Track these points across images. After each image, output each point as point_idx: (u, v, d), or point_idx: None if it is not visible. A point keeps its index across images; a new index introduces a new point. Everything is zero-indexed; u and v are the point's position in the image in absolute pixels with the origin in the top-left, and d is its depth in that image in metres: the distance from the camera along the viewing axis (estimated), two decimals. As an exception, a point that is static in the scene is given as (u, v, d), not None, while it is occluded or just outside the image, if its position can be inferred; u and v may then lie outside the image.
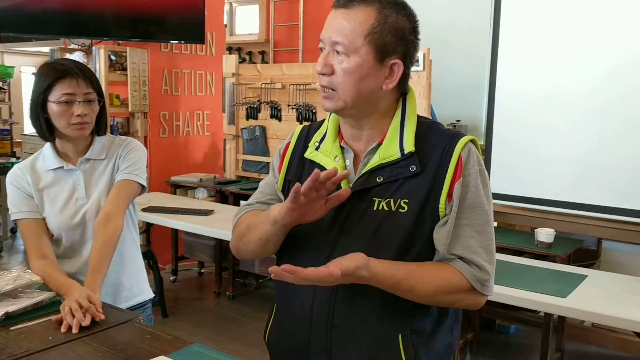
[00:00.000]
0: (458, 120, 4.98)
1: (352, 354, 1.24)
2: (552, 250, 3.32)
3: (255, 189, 1.41)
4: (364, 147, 1.26)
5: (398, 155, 1.21)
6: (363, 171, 1.23)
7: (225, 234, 3.64)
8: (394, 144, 1.22)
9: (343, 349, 1.24)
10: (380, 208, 1.20)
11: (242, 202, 4.88)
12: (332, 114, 1.32)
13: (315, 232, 1.25)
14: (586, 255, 3.78)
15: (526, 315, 3.48)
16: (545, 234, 3.36)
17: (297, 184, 1.13)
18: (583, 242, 3.66)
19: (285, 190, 1.35)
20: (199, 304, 4.52)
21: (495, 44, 3.91)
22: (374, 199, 1.21)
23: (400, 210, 1.19)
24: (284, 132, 4.83)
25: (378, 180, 1.21)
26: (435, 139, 1.23)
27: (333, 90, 1.20)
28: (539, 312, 3.23)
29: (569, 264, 3.23)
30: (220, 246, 4.48)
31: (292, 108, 4.64)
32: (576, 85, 3.60)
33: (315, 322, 1.26)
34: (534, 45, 3.76)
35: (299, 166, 1.34)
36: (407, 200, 1.19)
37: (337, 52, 1.18)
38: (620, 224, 3.52)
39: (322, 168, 1.27)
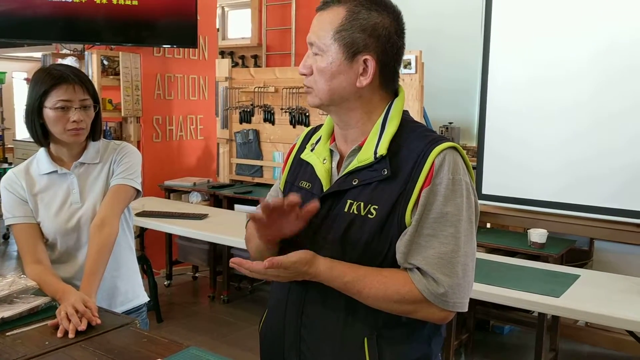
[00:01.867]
0: (451, 123, 5.01)
1: (319, 352, 1.26)
2: (544, 251, 3.35)
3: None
4: (348, 149, 1.28)
5: (372, 158, 1.21)
6: (342, 173, 1.25)
7: (220, 238, 3.65)
8: (371, 146, 1.23)
9: (310, 347, 1.27)
10: (351, 211, 1.21)
11: (237, 206, 4.83)
12: (329, 115, 1.35)
13: (303, 229, 1.28)
14: (579, 255, 3.80)
15: (520, 315, 3.50)
16: (538, 235, 3.38)
17: (259, 210, 1.18)
18: (575, 242, 3.68)
19: (286, 191, 1.38)
20: (194, 309, 4.51)
21: (486, 46, 3.93)
22: (347, 200, 1.22)
23: (369, 215, 1.19)
24: (277, 135, 4.84)
25: (353, 183, 1.22)
26: (414, 144, 1.21)
27: (310, 88, 1.25)
28: (533, 312, 3.25)
29: (561, 264, 3.25)
30: (215, 250, 4.48)
31: (286, 112, 4.65)
32: (569, 91, 3.62)
33: (287, 319, 1.30)
34: (525, 47, 3.79)
35: (297, 167, 1.38)
36: (376, 207, 1.18)
37: (315, 53, 1.23)
38: (612, 224, 3.55)
39: (312, 169, 1.32)
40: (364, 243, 1.19)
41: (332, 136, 1.34)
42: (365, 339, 1.22)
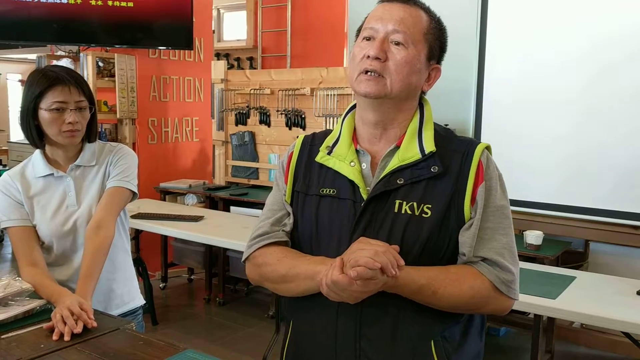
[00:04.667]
0: (446, 125, 5.01)
1: None
2: (540, 252, 3.35)
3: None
4: (382, 149, 1.25)
5: (418, 155, 1.21)
6: (383, 174, 1.22)
7: (215, 240, 3.63)
8: (412, 145, 1.23)
9: None
10: (403, 211, 1.19)
11: (232, 208, 4.80)
12: (346, 118, 1.31)
13: (338, 237, 1.22)
14: (574, 257, 3.81)
15: (516, 317, 3.50)
16: (533, 237, 3.38)
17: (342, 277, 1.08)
18: (571, 244, 3.69)
19: (294, 202, 1.31)
20: (189, 311, 4.50)
21: (482, 47, 3.94)
22: (395, 201, 1.19)
23: (424, 215, 1.18)
24: (273, 137, 4.84)
25: (399, 182, 1.20)
26: (454, 144, 1.25)
27: (381, 76, 1.19)
28: (529, 314, 3.26)
29: (557, 266, 3.26)
30: (210, 252, 4.47)
31: (281, 113, 4.65)
32: (564, 91, 3.63)
33: (340, 346, 1.21)
34: (521, 49, 3.80)
35: (307, 173, 1.30)
36: (430, 206, 1.18)
37: (395, 43, 1.19)
38: (607, 226, 3.56)
39: (337, 173, 1.26)
40: (423, 242, 1.18)
41: (353, 140, 1.29)
42: (433, 342, 1.20)
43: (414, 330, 1.20)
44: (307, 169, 1.31)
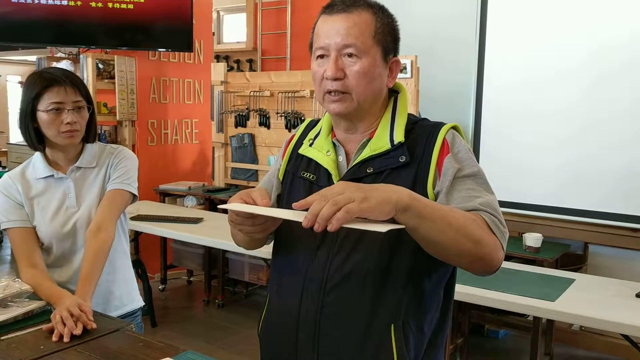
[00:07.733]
0: (445, 127, 5.02)
1: (341, 343, 1.23)
2: (540, 255, 3.36)
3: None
4: (357, 142, 1.29)
5: (388, 146, 1.24)
6: (354, 162, 1.26)
7: (215, 242, 3.64)
8: (384, 136, 1.25)
9: (332, 338, 1.23)
10: None
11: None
12: (327, 113, 1.34)
13: None
14: (573, 259, 3.82)
15: (515, 319, 3.51)
16: (533, 239, 3.39)
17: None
18: (570, 246, 3.70)
19: (286, 182, 1.38)
20: (188, 313, 4.49)
21: (481, 49, 3.95)
22: None
23: None
24: (272, 139, 4.84)
25: (368, 171, 1.23)
26: (420, 130, 1.26)
27: (346, 93, 1.22)
28: (528, 316, 3.26)
29: (556, 268, 3.26)
30: (210, 254, 4.47)
31: (281, 116, 4.65)
32: (563, 95, 3.64)
33: (304, 311, 1.25)
34: (520, 54, 3.81)
35: (297, 160, 1.37)
36: None
37: (348, 55, 1.20)
38: (606, 228, 3.57)
39: (316, 163, 1.31)
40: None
41: (332, 131, 1.34)
42: (393, 326, 1.21)
43: (373, 312, 1.21)
44: (299, 155, 1.37)
